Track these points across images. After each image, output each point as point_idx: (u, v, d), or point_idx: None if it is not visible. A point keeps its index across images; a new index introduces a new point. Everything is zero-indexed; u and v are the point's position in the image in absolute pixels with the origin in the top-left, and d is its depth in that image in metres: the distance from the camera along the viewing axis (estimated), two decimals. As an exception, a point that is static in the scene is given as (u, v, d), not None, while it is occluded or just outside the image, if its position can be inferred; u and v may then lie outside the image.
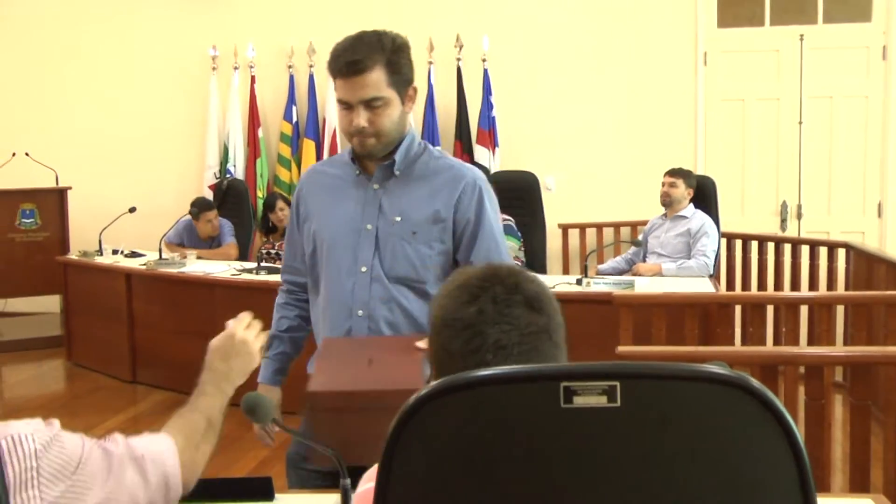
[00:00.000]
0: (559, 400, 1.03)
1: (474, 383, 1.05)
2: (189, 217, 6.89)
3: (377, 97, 2.16)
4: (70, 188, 7.45)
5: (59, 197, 7.39)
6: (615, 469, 1.05)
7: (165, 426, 1.53)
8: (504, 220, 5.68)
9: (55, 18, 8.17)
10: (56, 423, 1.32)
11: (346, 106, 2.19)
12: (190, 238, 6.96)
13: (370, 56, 2.14)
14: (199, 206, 6.89)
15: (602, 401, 1.04)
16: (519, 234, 5.68)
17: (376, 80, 2.15)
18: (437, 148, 2.43)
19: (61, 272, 6.89)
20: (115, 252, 6.82)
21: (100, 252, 6.78)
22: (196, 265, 6.26)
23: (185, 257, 6.42)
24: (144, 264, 6.30)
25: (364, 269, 2.28)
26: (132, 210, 6.72)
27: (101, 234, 6.72)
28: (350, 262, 2.29)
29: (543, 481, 1.05)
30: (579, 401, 1.04)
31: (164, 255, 6.36)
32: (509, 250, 6.61)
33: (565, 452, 1.05)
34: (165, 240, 6.64)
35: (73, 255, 6.95)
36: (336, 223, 2.32)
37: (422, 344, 1.94)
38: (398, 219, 2.27)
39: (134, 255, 6.72)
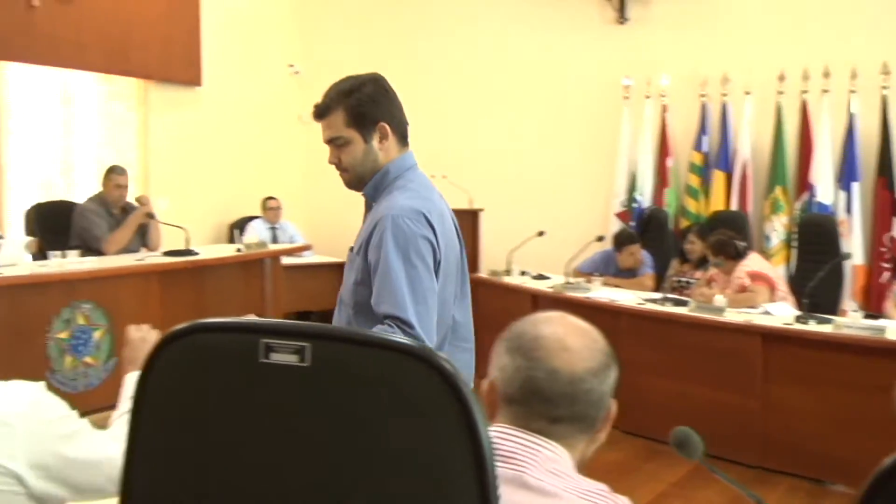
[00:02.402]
0: (258, 354, 1.13)
1: (194, 329, 1.19)
2: (605, 249, 7.09)
3: (337, 137, 2.49)
4: (483, 210, 8.07)
5: (472, 218, 8.01)
6: (298, 426, 1.13)
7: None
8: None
9: (474, 49, 8.95)
10: None
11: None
12: (607, 269, 7.11)
13: (328, 102, 2.48)
14: (622, 239, 7.07)
15: (293, 359, 1.12)
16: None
17: (335, 122, 2.48)
18: (413, 183, 2.52)
19: (472, 289, 7.43)
20: (522, 273, 7.24)
21: (508, 272, 7.24)
22: (602, 292, 6.39)
23: (591, 282, 6.61)
24: (551, 287, 6.58)
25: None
26: (541, 234, 7.09)
27: (510, 255, 7.19)
28: None
29: (235, 428, 1.17)
30: (276, 357, 1.13)
31: (571, 280, 6.60)
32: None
33: (258, 405, 1.15)
34: (578, 269, 6.92)
35: (483, 274, 7.47)
36: None
37: None
38: (352, 246, 2.53)
39: (541, 277, 7.07)
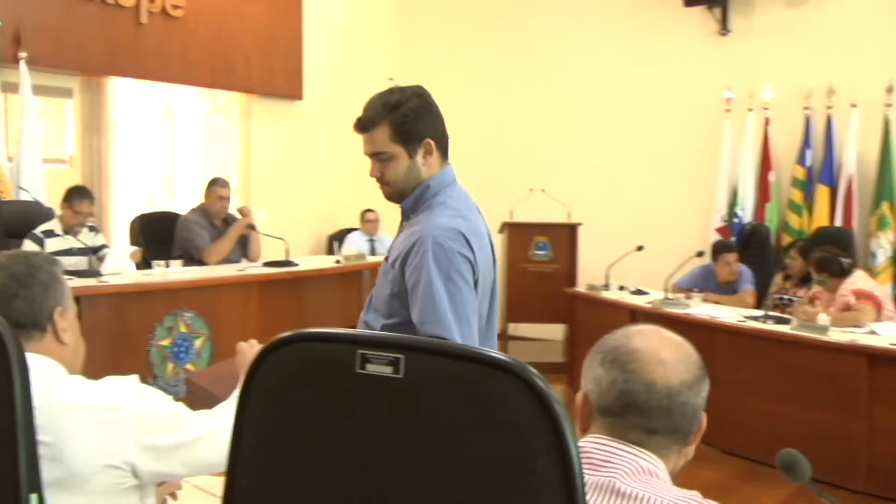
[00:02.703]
0: (355, 364, 1.17)
1: (295, 339, 1.23)
2: (704, 264, 7.01)
3: (381, 152, 2.47)
4: (581, 224, 8.01)
5: (570, 232, 7.98)
6: (391, 436, 1.16)
7: None
8: None
9: (572, 62, 8.91)
10: None
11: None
12: (706, 285, 7.01)
13: (373, 116, 2.45)
14: (718, 248, 7.00)
15: (388, 370, 1.15)
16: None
17: (380, 137, 2.46)
18: (452, 200, 2.52)
19: (569, 303, 7.44)
20: (621, 288, 7.17)
21: (606, 287, 7.17)
22: (702, 308, 6.30)
23: (690, 298, 6.52)
24: (650, 302, 6.53)
25: None
26: (640, 248, 7.02)
27: (608, 270, 7.14)
28: None
29: (330, 435, 1.20)
30: (371, 368, 1.16)
31: (670, 295, 6.53)
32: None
33: (353, 414, 1.18)
34: (677, 285, 6.84)
35: (580, 288, 7.44)
36: None
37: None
38: (387, 256, 2.57)
39: (639, 292, 7.00)
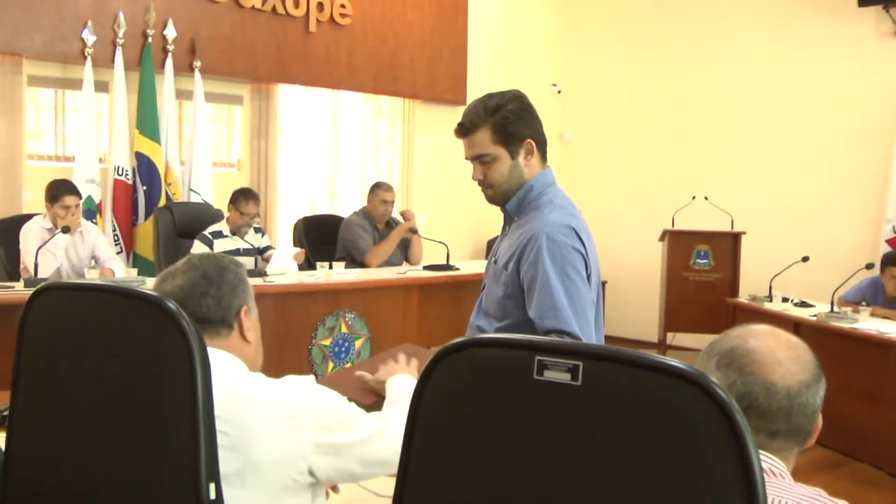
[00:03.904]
0: (532, 371, 1.17)
1: (470, 344, 1.25)
2: (872, 276, 6.72)
3: (484, 154, 2.54)
4: (744, 233, 7.82)
5: (733, 240, 7.81)
6: (568, 444, 1.16)
7: None
8: None
9: (736, 67, 8.67)
10: None
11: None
12: (874, 298, 6.73)
13: (474, 119, 2.53)
14: (886, 260, 6.70)
15: (566, 377, 1.14)
16: None
17: (481, 139, 2.53)
18: (558, 199, 2.57)
19: (730, 313, 7.25)
20: (784, 300, 6.95)
21: (769, 298, 6.97)
22: (870, 323, 6.06)
23: (857, 312, 6.27)
24: (815, 315, 6.32)
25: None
26: (805, 259, 6.80)
27: (771, 281, 6.94)
28: None
29: (505, 441, 1.21)
30: (549, 375, 1.16)
31: (836, 309, 6.31)
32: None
33: (529, 421, 1.18)
34: (843, 298, 6.60)
35: (742, 299, 7.24)
36: None
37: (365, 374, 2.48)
38: (495, 259, 2.64)
39: (803, 304, 6.77)
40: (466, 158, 2.61)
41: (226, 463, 1.63)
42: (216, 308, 1.95)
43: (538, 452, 1.17)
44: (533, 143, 2.56)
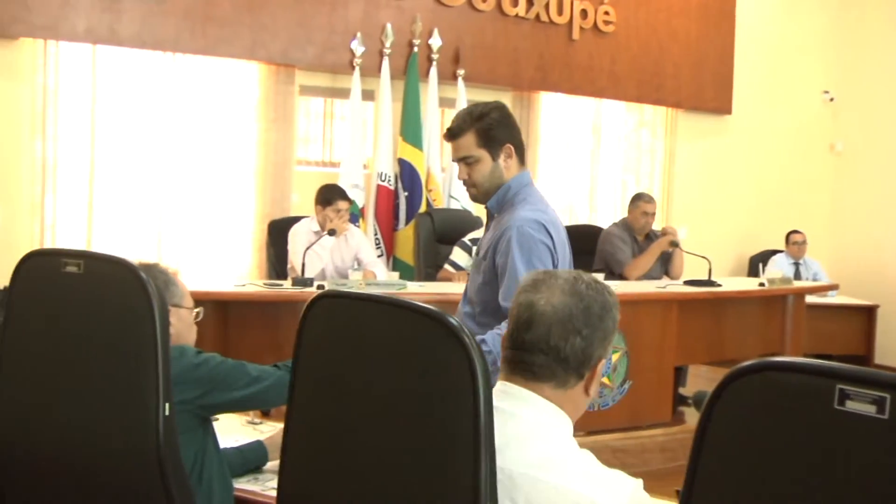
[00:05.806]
0: (833, 400, 1.14)
1: (765, 367, 1.23)
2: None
3: (468, 155, 2.97)
4: None
5: None
6: (872, 481, 1.12)
7: None
8: None
9: None
10: None
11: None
12: None
13: (461, 125, 2.96)
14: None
15: (871, 410, 1.11)
16: None
17: (467, 143, 2.96)
18: (531, 197, 2.99)
19: None
20: None
21: None
22: None
23: None
24: None
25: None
26: None
27: None
28: None
29: (799, 470, 1.17)
30: (851, 405, 1.13)
31: None
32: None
33: (827, 452, 1.16)
34: None
35: None
36: None
37: None
38: (478, 252, 3.09)
39: None
40: (453, 160, 3.03)
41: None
42: (581, 353, 1.70)
43: (835, 486, 1.13)
44: (512, 148, 2.98)
